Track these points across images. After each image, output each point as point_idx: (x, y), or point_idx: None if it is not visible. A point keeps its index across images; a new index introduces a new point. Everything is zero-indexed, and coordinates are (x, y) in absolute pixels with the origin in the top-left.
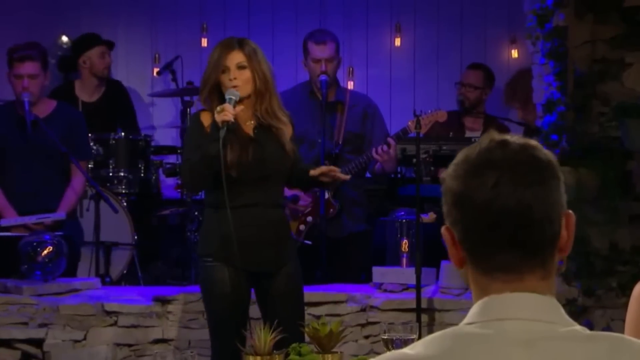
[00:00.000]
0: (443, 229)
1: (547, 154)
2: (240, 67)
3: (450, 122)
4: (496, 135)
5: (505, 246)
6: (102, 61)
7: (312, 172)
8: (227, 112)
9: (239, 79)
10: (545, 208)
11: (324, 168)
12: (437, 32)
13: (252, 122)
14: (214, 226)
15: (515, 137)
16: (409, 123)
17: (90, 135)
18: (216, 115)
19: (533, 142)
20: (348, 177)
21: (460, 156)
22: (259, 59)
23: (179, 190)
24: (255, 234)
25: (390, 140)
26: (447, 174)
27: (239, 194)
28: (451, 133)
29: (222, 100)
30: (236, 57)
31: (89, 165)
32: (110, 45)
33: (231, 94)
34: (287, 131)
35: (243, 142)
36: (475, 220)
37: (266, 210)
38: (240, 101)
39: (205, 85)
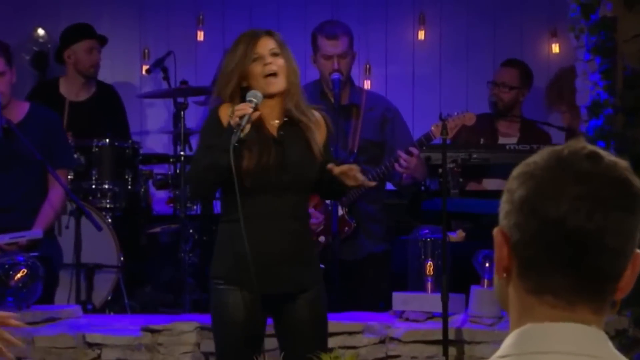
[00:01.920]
0: (496, 230)
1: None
2: (274, 54)
3: (481, 126)
4: (588, 145)
5: (565, 268)
6: (88, 57)
7: (330, 166)
8: (245, 109)
9: (275, 64)
10: (621, 239)
11: (344, 167)
12: (467, 24)
13: (278, 121)
14: (226, 243)
15: (606, 153)
16: (433, 128)
17: (69, 142)
18: (231, 117)
19: (625, 162)
20: (373, 183)
21: (541, 155)
22: (289, 51)
23: (171, 204)
24: (272, 251)
25: (412, 149)
26: (520, 169)
27: (254, 203)
28: (482, 139)
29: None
30: (268, 43)
31: (69, 177)
32: (101, 40)
33: (253, 96)
34: (317, 130)
35: (264, 145)
36: (541, 232)
37: (285, 222)
38: (271, 97)
39: (227, 82)
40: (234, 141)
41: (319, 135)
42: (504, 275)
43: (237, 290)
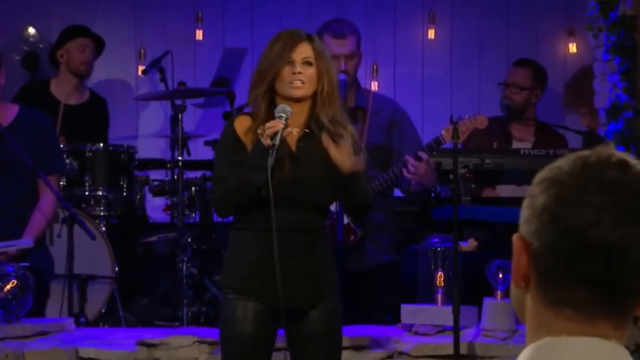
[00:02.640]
0: (515, 236)
1: None
2: (306, 63)
3: (494, 130)
4: (617, 152)
5: (585, 282)
6: (79, 55)
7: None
8: (277, 125)
9: (304, 75)
10: None
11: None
12: (479, 23)
13: (298, 130)
14: (237, 252)
15: (637, 162)
16: (443, 132)
17: (62, 146)
18: (262, 136)
19: None
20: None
21: (566, 160)
22: (327, 59)
23: (168, 212)
24: (285, 263)
25: (421, 154)
26: (543, 174)
27: (268, 215)
28: (495, 143)
29: (273, 103)
30: (304, 50)
31: (61, 183)
32: (96, 41)
33: (282, 111)
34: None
35: (280, 158)
36: (561, 242)
37: (299, 236)
38: (295, 101)
39: (261, 81)
40: (270, 163)
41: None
42: (522, 284)
43: (247, 301)
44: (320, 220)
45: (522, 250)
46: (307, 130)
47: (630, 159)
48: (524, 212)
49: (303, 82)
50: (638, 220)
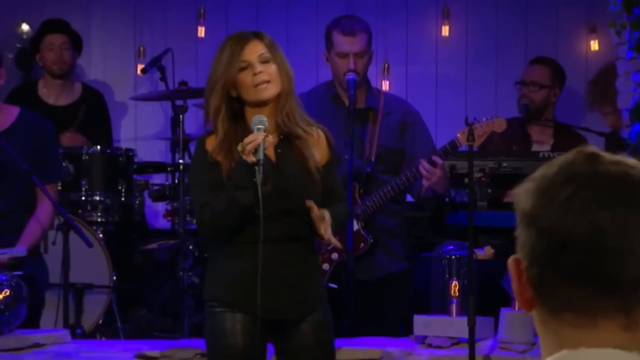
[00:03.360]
0: (510, 260)
1: None
2: (264, 61)
3: (511, 132)
4: (589, 148)
5: (570, 279)
6: (50, 54)
7: (308, 204)
8: (257, 139)
9: (266, 73)
10: (627, 237)
11: (317, 213)
12: (496, 19)
13: (273, 136)
14: (222, 264)
15: (611, 154)
16: (459, 134)
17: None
18: (244, 153)
19: (633, 160)
20: (338, 245)
21: (540, 168)
22: (281, 53)
23: (169, 218)
24: (273, 273)
25: (436, 159)
26: (520, 188)
27: (255, 228)
28: (514, 146)
29: (234, 115)
30: (257, 48)
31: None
32: (71, 34)
33: (259, 122)
34: (315, 147)
35: (267, 171)
36: (539, 243)
37: (287, 246)
38: (264, 104)
39: (213, 91)
40: (260, 180)
41: (317, 153)
42: (529, 307)
43: (234, 313)
44: (305, 227)
45: (516, 272)
46: (282, 136)
47: (603, 152)
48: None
49: (269, 82)
50: (608, 203)
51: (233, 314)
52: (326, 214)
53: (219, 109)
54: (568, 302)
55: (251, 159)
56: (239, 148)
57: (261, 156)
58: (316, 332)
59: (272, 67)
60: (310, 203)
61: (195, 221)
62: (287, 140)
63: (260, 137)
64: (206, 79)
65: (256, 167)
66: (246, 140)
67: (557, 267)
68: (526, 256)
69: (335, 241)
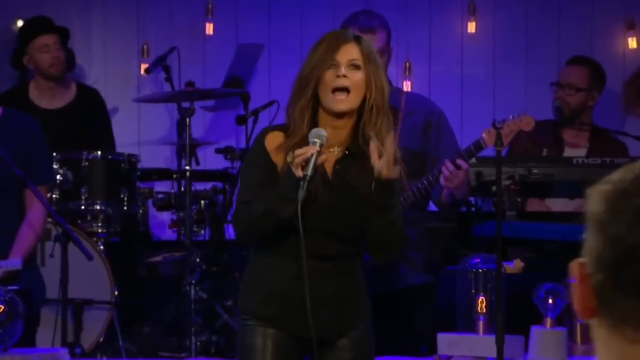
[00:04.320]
0: (574, 263)
1: None
2: (354, 66)
3: (543, 135)
4: None
5: (635, 291)
6: (44, 57)
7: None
8: (307, 152)
9: (349, 79)
10: None
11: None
12: (526, 14)
13: (339, 149)
14: (257, 274)
15: None
16: (484, 134)
17: (55, 155)
18: (292, 164)
19: None
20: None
21: (618, 171)
22: (378, 64)
23: (174, 229)
24: (312, 290)
25: (460, 162)
26: (594, 189)
27: (294, 243)
28: (545, 150)
29: (315, 119)
30: (351, 52)
31: (53, 196)
32: (59, 31)
33: (316, 136)
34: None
35: (314, 188)
36: (607, 251)
37: (329, 264)
38: (337, 117)
39: (302, 89)
40: (301, 196)
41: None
42: (589, 316)
43: (267, 328)
44: (354, 250)
45: (579, 276)
46: (347, 152)
47: None
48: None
49: (348, 91)
50: None
51: (265, 329)
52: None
53: (304, 111)
54: (629, 317)
55: (298, 172)
56: (289, 159)
57: (309, 172)
58: (356, 349)
59: (359, 76)
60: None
61: (231, 217)
62: (353, 158)
63: (311, 150)
64: (298, 72)
65: (301, 182)
66: (297, 151)
67: (621, 279)
68: (592, 263)
69: (391, 172)
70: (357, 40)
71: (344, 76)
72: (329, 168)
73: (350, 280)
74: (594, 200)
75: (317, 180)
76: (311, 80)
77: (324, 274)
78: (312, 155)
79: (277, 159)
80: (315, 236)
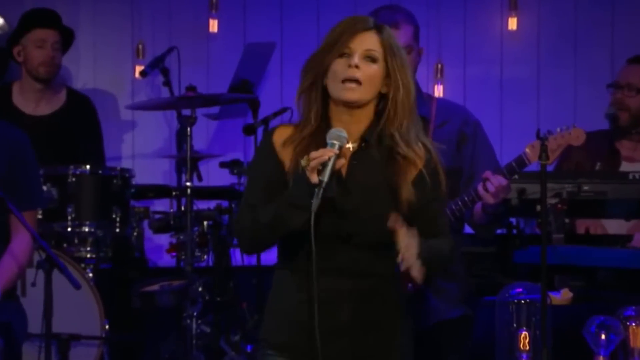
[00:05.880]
0: None
1: None
2: (369, 58)
3: (596, 147)
4: None
5: None
6: (38, 52)
7: (393, 220)
8: (324, 155)
9: (361, 72)
10: None
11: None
12: (575, 9)
13: (354, 145)
14: (276, 298)
15: None
16: (527, 149)
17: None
18: (307, 168)
19: None
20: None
21: None
22: (402, 57)
23: (173, 253)
24: (330, 315)
25: (501, 179)
26: None
27: (309, 253)
28: (599, 164)
29: (325, 110)
30: (369, 41)
31: (38, 216)
32: (64, 31)
33: (335, 137)
34: (414, 170)
35: (331, 191)
36: None
37: (351, 282)
38: (349, 107)
39: (307, 75)
40: (315, 206)
41: (413, 174)
42: None
43: (280, 358)
44: (377, 261)
45: None
46: (364, 144)
47: None
48: None
49: (359, 82)
50: None
51: (276, 359)
52: (414, 237)
53: (313, 101)
54: None
55: (314, 178)
56: (303, 162)
57: (325, 178)
58: None
59: (374, 69)
60: (395, 218)
61: (233, 221)
62: (369, 152)
63: (329, 153)
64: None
65: (316, 190)
66: (313, 154)
67: None
68: None
69: (417, 273)
70: (379, 29)
71: (356, 67)
72: (342, 166)
73: (381, 305)
74: None
75: (333, 186)
76: (320, 67)
77: (347, 295)
78: (329, 158)
79: (285, 154)
80: (330, 245)
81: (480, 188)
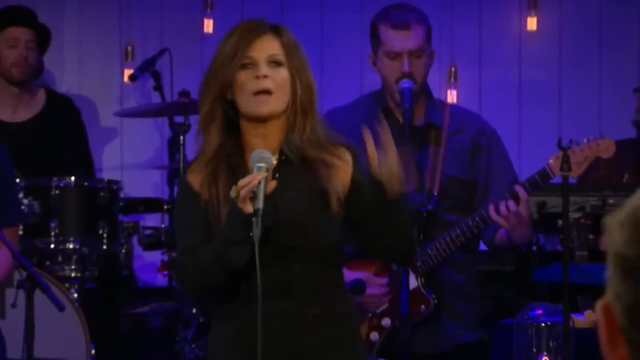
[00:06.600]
0: (599, 305)
1: None
2: (274, 63)
3: (623, 157)
4: None
5: None
6: (10, 52)
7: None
8: (253, 181)
9: (272, 79)
10: None
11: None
12: (600, 8)
13: (273, 157)
14: (215, 329)
15: None
16: (551, 161)
17: (18, 181)
18: (238, 199)
19: None
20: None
21: None
22: (302, 58)
23: (165, 272)
24: (275, 340)
25: (519, 190)
26: (615, 219)
27: (250, 278)
28: (626, 176)
29: (232, 128)
30: (269, 46)
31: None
32: (39, 29)
33: (260, 159)
34: (342, 172)
35: (270, 218)
36: (627, 293)
37: (293, 300)
38: (263, 121)
39: (208, 95)
40: (257, 235)
41: (341, 176)
42: None
43: None
44: (319, 275)
45: (606, 323)
46: (283, 157)
47: None
48: (607, 272)
49: (271, 93)
50: None
51: None
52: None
53: (212, 116)
54: None
55: (248, 208)
56: (232, 194)
57: (260, 205)
58: None
59: (282, 74)
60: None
61: (175, 273)
62: (290, 163)
63: (258, 177)
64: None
65: (253, 219)
66: (241, 182)
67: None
68: (623, 311)
69: (396, 180)
70: (276, 30)
71: (265, 76)
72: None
73: (331, 325)
74: (616, 232)
75: (271, 212)
76: (220, 84)
77: (290, 319)
78: (259, 183)
79: (200, 188)
80: (272, 266)
81: (492, 212)
